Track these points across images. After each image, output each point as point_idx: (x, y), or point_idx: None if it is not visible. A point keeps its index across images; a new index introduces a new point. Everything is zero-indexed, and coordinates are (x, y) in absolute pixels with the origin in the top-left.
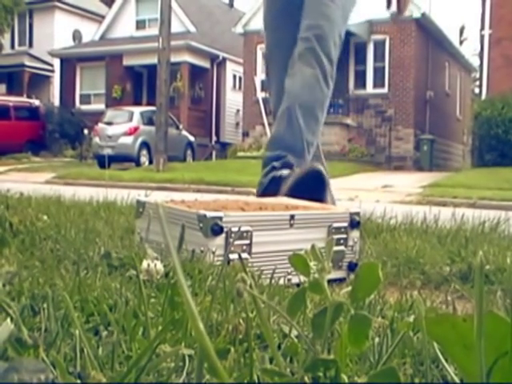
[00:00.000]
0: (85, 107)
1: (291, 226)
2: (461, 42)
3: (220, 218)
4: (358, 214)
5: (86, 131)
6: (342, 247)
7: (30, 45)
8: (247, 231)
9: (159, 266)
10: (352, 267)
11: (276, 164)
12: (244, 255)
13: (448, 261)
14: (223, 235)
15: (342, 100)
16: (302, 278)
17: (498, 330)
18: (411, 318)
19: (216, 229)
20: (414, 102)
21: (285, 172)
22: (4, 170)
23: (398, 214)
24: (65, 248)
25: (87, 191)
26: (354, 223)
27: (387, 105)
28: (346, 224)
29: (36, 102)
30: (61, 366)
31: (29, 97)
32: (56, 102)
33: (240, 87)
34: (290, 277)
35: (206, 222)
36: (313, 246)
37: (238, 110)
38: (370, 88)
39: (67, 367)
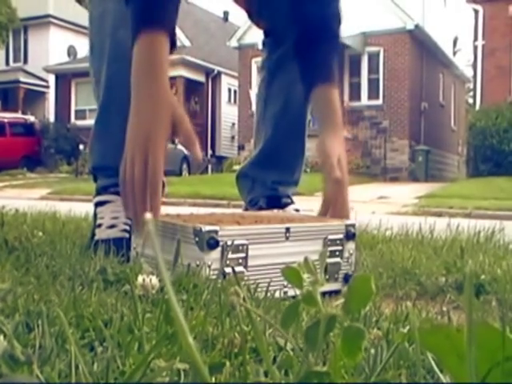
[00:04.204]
0: (80, 123)
1: (287, 238)
2: (454, 53)
3: (216, 232)
4: (353, 225)
5: (81, 147)
6: (337, 259)
7: (25, 61)
8: (243, 244)
9: (154, 280)
10: (348, 279)
11: (261, 202)
12: (240, 269)
13: (444, 271)
14: (219, 249)
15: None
16: (298, 291)
17: (491, 339)
18: (406, 329)
19: (212, 243)
20: (408, 114)
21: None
22: None
23: (394, 225)
24: (60, 264)
25: (83, 207)
26: (350, 235)
27: (382, 116)
28: (341, 236)
29: (31, 118)
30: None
31: (24, 113)
32: (51, 117)
33: (235, 101)
34: (286, 289)
35: (201, 236)
36: (306, 259)
37: (233, 124)
38: (364, 100)
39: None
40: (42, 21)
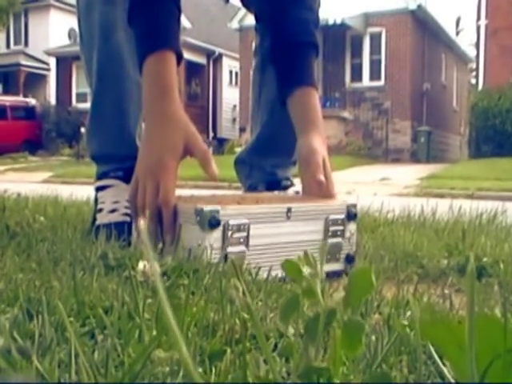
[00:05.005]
0: (81, 106)
1: (288, 218)
2: (457, 33)
3: (217, 212)
4: (354, 206)
5: (82, 130)
6: (339, 239)
7: (26, 44)
8: (244, 224)
9: (155, 267)
10: (349, 259)
11: (261, 187)
12: (241, 248)
13: (446, 254)
14: (220, 228)
15: (339, 93)
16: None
17: (492, 331)
18: (408, 314)
19: (213, 222)
20: (410, 95)
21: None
22: (1, 169)
23: (396, 207)
24: (61, 249)
25: (85, 190)
26: (351, 215)
27: (384, 97)
28: (342, 216)
29: (32, 102)
30: (52, 377)
31: (25, 96)
32: (52, 100)
33: (236, 83)
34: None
35: (203, 216)
36: (306, 252)
37: (234, 106)
38: (366, 81)
39: (62, 374)
40: (43, 3)
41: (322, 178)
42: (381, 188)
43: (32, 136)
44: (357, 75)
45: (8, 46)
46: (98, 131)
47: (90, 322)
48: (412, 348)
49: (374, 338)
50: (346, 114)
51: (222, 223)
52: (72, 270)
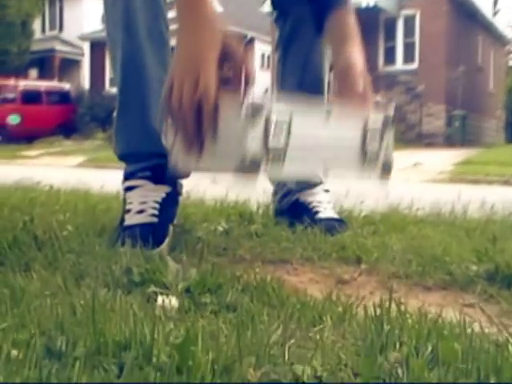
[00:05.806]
0: (115, 90)
1: (327, 120)
2: (494, 14)
3: (260, 105)
4: (392, 115)
5: (115, 114)
6: (376, 146)
7: (61, 29)
8: (286, 119)
9: (174, 301)
10: (386, 168)
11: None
12: (282, 142)
13: (475, 259)
14: (262, 124)
15: (372, 77)
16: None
17: None
18: (429, 349)
19: (255, 114)
20: (445, 78)
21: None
22: (36, 154)
23: (427, 201)
24: (87, 262)
25: (117, 175)
26: (389, 122)
27: (417, 81)
28: (380, 124)
29: (66, 86)
30: None
31: (60, 81)
32: (86, 85)
33: (268, 66)
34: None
35: (246, 108)
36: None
37: (266, 89)
38: (399, 64)
39: None
40: None
41: (360, 88)
42: (414, 174)
43: (66, 120)
44: (390, 58)
45: (43, 31)
46: (123, 130)
47: (107, 361)
48: None
49: None
50: (378, 98)
51: (265, 116)
52: (96, 285)
